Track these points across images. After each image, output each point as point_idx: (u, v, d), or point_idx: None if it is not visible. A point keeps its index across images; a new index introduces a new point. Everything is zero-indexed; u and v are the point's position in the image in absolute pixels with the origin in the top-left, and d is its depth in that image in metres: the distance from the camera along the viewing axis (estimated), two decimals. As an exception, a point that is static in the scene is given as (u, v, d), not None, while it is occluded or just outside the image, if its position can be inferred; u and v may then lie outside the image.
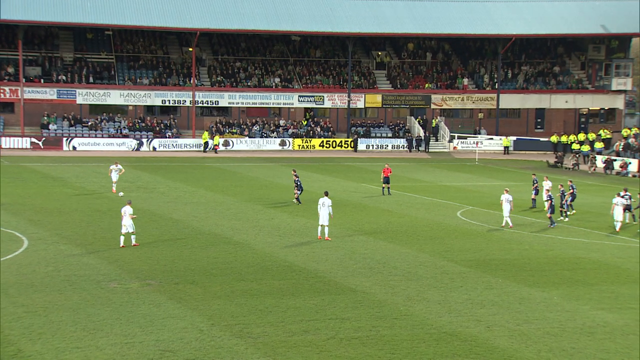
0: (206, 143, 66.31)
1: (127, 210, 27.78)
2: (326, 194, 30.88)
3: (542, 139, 71.19)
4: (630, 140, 63.54)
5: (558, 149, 68.09)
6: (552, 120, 76.84)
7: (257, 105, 72.55)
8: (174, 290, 22.46)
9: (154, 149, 66.41)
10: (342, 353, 17.81)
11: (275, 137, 70.54)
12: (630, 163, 58.40)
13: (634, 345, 18.30)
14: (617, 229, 32.74)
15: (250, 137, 69.54)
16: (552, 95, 75.21)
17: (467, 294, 22.80)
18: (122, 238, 27.79)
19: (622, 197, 33.82)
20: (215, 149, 66.21)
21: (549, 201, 34.18)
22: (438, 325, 19.82)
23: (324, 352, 17.86)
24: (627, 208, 34.52)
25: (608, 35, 74.28)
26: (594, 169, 58.48)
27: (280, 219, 34.14)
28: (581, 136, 69.29)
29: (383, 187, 42.23)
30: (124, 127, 68.22)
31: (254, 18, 68.98)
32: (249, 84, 72.10)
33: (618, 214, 32.84)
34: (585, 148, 65.10)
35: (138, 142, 66.20)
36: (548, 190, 35.70)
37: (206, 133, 66.91)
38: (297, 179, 38.63)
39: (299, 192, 38.08)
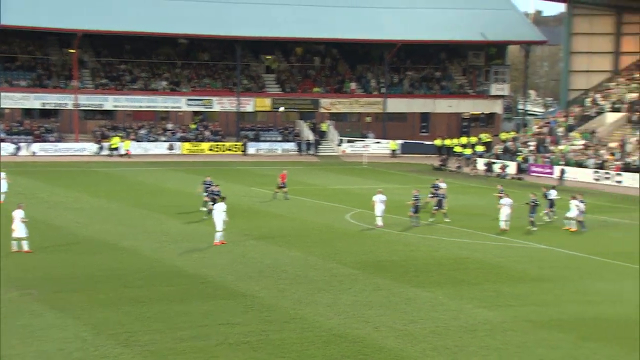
0: (115, 148, 64.52)
1: (17, 214, 26.63)
2: (223, 199, 30.60)
3: (427, 143, 73.07)
4: (508, 143, 66.19)
5: (442, 152, 70.06)
6: (436, 124, 79.06)
7: (144, 109, 71.03)
8: (56, 299, 21.57)
9: (34, 153, 63.80)
10: (232, 358, 17.58)
11: (163, 141, 69.24)
12: (508, 166, 60.80)
13: (512, 341, 18.97)
14: (502, 228, 33.87)
15: (137, 140, 67.97)
16: (436, 100, 77.41)
17: (355, 295, 23.01)
18: (14, 243, 26.68)
19: (579, 202, 34.25)
20: (127, 153, 64.43)
21: (414, 201, 34.80)
22: (327, 327, 19.89)
23: (213, 357, 17.58)
24: (551, 204, 35.48)
25: (487, 42, 77.13)
26: (475, 172, 60.52)
27: (170, 224, 33.45)
28: (463, 140, 71.59)
29: (276, 192, 42.10)
30: (1, 131, 65.20)
31: (139, 20, 67.49)
32: (135, 87, 70.45)
33: (504, 214, 33.98)
34: (468, 151, 67.27)
35: (16, 146, 63.44)
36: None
37: (117, 138, 65.11)
38: (210, 186, 36.21)
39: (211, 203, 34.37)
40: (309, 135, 73.15)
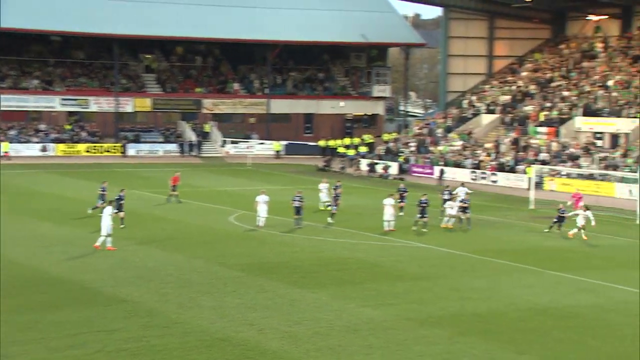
0: None
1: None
2: (110, 202, 29.84)
3: (311, 144, 73.76)
4: (390, 144, 67.82)
5: (326, 153, 70.93)
6: (320, 125, 79.94)
7: (13, 109, 68.07)
8: None
9: None
10: (111, 368, 17.19)
11: (35, 142, 66.61)
12: (390, 166, 62.30)
13: (393, 339, 19.48)
14: (386, 228, 34.61)
15: (9, 142, 65.08)
16: (319, 101, 78.30)
17: (240, 298, 22.97)
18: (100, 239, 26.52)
19: (460, 200, 35.64)
20: (6, 155, 61.33)
21: (298, 202, 35.01)
22: (211, 331, 19.77)
23: (91, 367, 17.13)
24: (464, 209, 36.34)
25: (368, 44, 78.77)
26: (359, 172, 61.64)
27: (45, 229, 32.27)
28: (347, 140, 72.74)
29: (170, 195, 41.40)
30: None
31: (6, 15, 64.58)
32: (3, 85, 67.44)
33: (387, 214, 34.68)
34: (351, 152, 68.42)
35: None
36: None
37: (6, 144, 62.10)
38: (104, 191, 35.20)
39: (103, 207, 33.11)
40: (191, 136, 72.33)
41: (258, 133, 75.84)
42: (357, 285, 24.96)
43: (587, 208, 33.63)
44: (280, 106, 76.89)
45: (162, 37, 71.31)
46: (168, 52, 76.88)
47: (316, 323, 20.77)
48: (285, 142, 73.42)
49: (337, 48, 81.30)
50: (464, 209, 36.23)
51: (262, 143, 73.62)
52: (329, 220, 36.50)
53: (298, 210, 35.24)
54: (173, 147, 71.01)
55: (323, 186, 40.83)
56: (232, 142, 72.79)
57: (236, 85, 76.18)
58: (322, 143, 72.85)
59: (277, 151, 72.48)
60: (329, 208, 37.70)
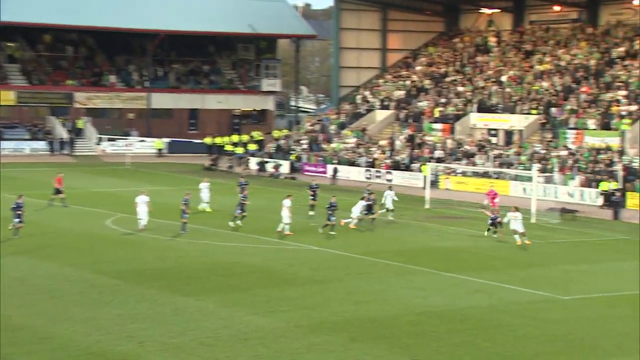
0: None
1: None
2: None
3: (196, 141, 73.11)
4: (281, 141, 68.11)
5: (213, 151, 70.49)
6: (206, 121, 79.31)
7: None
8: None
9: None
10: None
11: None
12: (281, 165, 62.58)
13: (285, 349, 19.64)
14: (279, 229, 34.73)
15: None
16: (205, 95, 77.70)
17: (118, 308, 22.59)
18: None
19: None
20: None
21: (185, 205, 34.72)
22: (85, 345, 19.35)
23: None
24: (368, 209, 36.88)
25: (256, 35, 78.81)
26: (248, 171, 61.56)
27: None
28: (235, 138, 72.54)
29: (52, 198, 40.15)
30: None
31: None
32: None
33: (286, 216, 34.77)
34: (239, 150, 68.29)
35: None
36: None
37: None
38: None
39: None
40: (62, 133, 70.26)
41: (138, 130, 74.50)
42: (245, 292, 24.99)
43: (516, 209, 34.30)
44: (162, 101, 75.80)
45: (27, 24, 68.87)
46: (34, 40, 74.35)
47: (201, 333, 20.65)
48: (167, 140, 72.46)
49: (224, 39, 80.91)
50: (369, 208, 37.11)
51: (142, 140, 72.37)
52: (238, 223, 36.05)
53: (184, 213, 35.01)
54: (41, 145, 68.76)
55: (204, 185, 40.60)
56: (109, 140, 71.21)
57: (112, 78, 74.58)
58: (208, 140, 72.36)
59: (159, 149, 71.46)
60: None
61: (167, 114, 78.17)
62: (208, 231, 35.52)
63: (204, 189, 40.54)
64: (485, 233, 34.69)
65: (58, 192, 40.39)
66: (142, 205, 34.25)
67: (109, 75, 74.61)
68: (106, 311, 22.30)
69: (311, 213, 39.42)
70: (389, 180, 57.37)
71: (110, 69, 75.74)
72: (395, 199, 39.78)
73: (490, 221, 34.65)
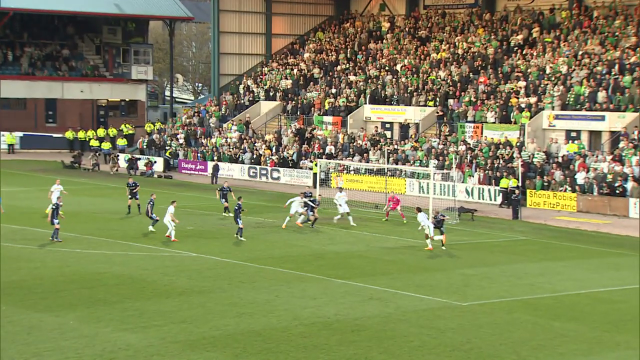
0: None
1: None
2: None
3: (55, 135, 71.28)
4: (154, 136, 67.14)
5: (75, 146, 68.87)
6: (66, 113, 77.29)
7: None
8: None
9: None
10: None
11: None
12: (155, 162, 61.67)
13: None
14: (168, 234, 34.40)
15: None
16: (65, 83, 75.79)
17: (-38, 328, 21.75)
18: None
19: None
20: None
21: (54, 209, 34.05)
22: None
23: None
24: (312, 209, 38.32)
25: (123, 16, 77.41)
26: (117, 169, 60.45)
27: None
28: (101, 132, 71.08)
29: None
30: None
31: None
32: None
33: (168, 222, 34.26)
34: (106, 145, 66.93)
35: None
36: (59, 198, 35.69)
37: None
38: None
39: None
40: None
41: (-14, 122, 71.92)
42: (113, 305, 24.50)
43: (419, 210, 35.03)
44: (13, 89, 73.44)
45: None
46: None
47: (61, 353, 20.13)
48: (20, 134, 70.27)
49: (86, 19, 79.08)
50: (312, 209, 38.75)
51: (-8, 135, 69.95)
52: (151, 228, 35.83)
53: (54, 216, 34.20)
54: None
55: (55, 187, 39.82)
56: (-48, 134, 68.44)
57: (-45, 63, 71.68)
58: (69, 135, 70.59)
59: (10, 144, 69.20)
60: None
61: (19, 104, 75.67)
62: (68, 237, 34.60)
63: (55, 191, 39.56)
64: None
65: None
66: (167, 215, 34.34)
67: (-48, 60, 71.64)
68: (-51, 332, 21.42)
69: (226, 214, 40.44)
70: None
71: (-47, 52, 72.76)
72: (346, 199, 40.29)
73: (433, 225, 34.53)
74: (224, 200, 41.19)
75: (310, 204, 39.20)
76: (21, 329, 21.95)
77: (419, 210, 35.08)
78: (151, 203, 36.24)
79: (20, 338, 21.18)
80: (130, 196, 40.58)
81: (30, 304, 24.42)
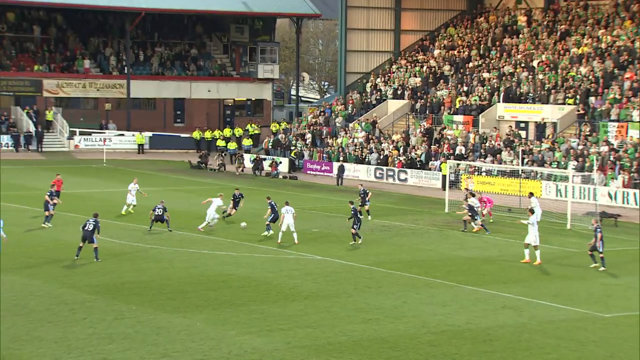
0: None
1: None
2: None
3: (183, 135, 73.18)
4: (280, 136, 68.10)
5: (201, 146, 70.51)
6: (193, 113, 79.36)
7: None
8: None
9: None
10: None
11: None
12: (280, 162, 62.55)
13: (285, 371, 19.65)
14: (279, 240, 34.73)
15: None
16: (193, 83, 77.70)
17: (92, 327, 22.59)
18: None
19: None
20: None
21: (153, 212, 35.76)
22: (56, 370, 19.36)
23: None
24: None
25: (251, 14, 78.74)
26: (242, 170, 61.62)
27: None
28: (227, 131, 72.57)
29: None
30: None
31: None
32: None
33: (285, 224, 34.69)
34: (232, 145, 68.30)
35: None
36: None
37: None
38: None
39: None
40: (29, 125, 70.33)
41: (116, 122, 74.58)
42: (239, 308, 24.96)
43: (472, 195, 37.04)
44: (143, 89, 75.79)
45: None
46: (-4, 18, 74.54)
47: (188, 355, 20.63)
48: (150, 134, 72.52)
49: (214, 18, 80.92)
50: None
51: (121, 134, 72.44)
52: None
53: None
54: (5, 139, 68.78)
55: (132, 187, 41.06)
56: (83, 134, 71.28)
57: (87, 63, 74.62)
58: (196, 134, 72.39)
59: (140, 144, 71.49)
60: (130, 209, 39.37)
61: (149, 104, 78.20)
62: (194, 238, 35.50)
63: (132, 190, 40.95)
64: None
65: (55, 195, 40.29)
66: (287, 216, 34.78)
67: (83, 60, 74.63)
68: (78, 330, 22.29)
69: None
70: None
71: (84, 52, 75.76)
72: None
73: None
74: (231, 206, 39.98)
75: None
76: (150, 329, 22.65)
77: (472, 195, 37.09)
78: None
79: (149, 339, 21.86)
80: (232, 206, 40.21)
81: (159, 304, 25.15)
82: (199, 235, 36.22)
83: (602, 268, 31.17)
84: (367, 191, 41.93)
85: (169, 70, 77.69)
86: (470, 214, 38.19)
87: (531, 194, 38.85)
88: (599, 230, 31.43)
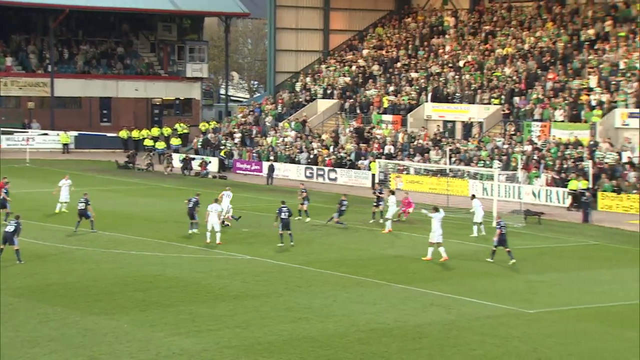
0: None
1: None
2: None
3: (109, 134, 72.31)
4: (209, 135, 67.74)
5: (129, 146, 69.79)
6: (120, 112, 78.42)
7: None
8: None
9: None
10: None
11: None
12: (210, 162, 62.23)
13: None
14: (208, 239, 34.50)
15: None
16: (120, 82, 76.87)
17: (15, 330, 22.25)
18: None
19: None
20: None
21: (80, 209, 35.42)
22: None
23: None
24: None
25: (179, 12, 78.17)
26: (171, 170, 61.14)
27: None
28: (155, 131, 71.91)
29: None
30: None
31: None
32: None
33: (213, 223, 34.49)
34: (161, 145, 67.71)
35: None
36: None
37: None
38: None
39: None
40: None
41: (39, 121, 73.28)
42: (167, 309, 24.79)
43: (392, 193, 37.68)
44: (68, 87, 74.68)
45: None
46: None
47: (116, 357, 20.46)
48: (75, 133, 71.48)
49: (141, 17, 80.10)
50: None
51: (45, 134, 71.23)
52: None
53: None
54: None
55: (63, 182, 40.97)
56: (4, 133, 69.86)
57: (8, 61, 73.23)
58: (123, 134, 71.59)
59: (65, 144, 70.43)
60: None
61: (74, 103, 76.98)
62: (121, 238, 35.14)
63: (64, 186, 41.05)
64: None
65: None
66: (213, 215, 34.23)
67: (4, 58, 73.20)
68: (1, 334, 21.86)
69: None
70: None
71: (5, 49, 74.32)
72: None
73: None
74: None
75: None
76: (76, 331, 22.36)
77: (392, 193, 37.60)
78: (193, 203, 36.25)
79: (75, 341, 21.58)
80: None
81: (85, 306, 24.85)
82: (126, 235, 35.86)
83: (513, 260, 31.84)
84: (305, 191, 41.93)
85: (94, 68, 76.66)
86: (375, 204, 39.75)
87: (473, 196, 39.09)
88: (500, 226, 32.18)
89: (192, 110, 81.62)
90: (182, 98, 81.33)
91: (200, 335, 22.35)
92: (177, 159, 63.36)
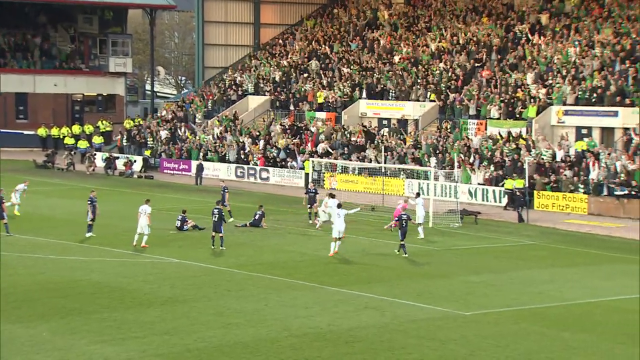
0: None
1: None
2: None
3: (26, 132, 71.25)
4: (134, 133, 67.14)
5: (48, 144, 68.86)
6: (38, 108, 77.24)
7: None
8: None
9: None
10: None
11: None
12: (135, 161, 61.71)
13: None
14: (135, 242, 34.26)
15: None
16: (37, 77, 75.78)
17: None
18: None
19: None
20: None
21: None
22: None
23: None
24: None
25: (100, 4, 77.35)
26: (94, 169, 60.50)
27: None
28: (76, 128, 71.07)
29: None
30: None
31: None
32: None
33: (143, 225, 34.23)
34: (82, 144, 66.94)
35: None
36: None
37: None
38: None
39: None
40: None
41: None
42: (90, 315, 24.59)
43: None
44: (-19, 82, 73.40)
45: None
46: None
47: (34, 367, 20.24)
48: (-11, 131, 70.33)
49: (59, 7, 78.98)
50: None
51: (-44, 132, 69.92)
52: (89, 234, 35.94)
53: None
54: None
55: (20, 187, 40.74)
56: None
57: None
58: (42, 132, 70.59)
59: (-20, 143, 69.20)
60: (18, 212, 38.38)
61: (-13, 98, 75.64)
62: (41, 242, 34.67)
63: (20, 189, 40.92)
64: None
65: None
66: (143, 217, 33.80)
67: None
68: None
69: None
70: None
71: None
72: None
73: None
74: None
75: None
76: (-9, 341, 22.06)
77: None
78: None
79: (-10, 351, 21.30)
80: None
81: (2, 314, 24.45)
82: (45, 239, 35.43)
83: (405, 255, 33.54)
84: (226, 189, 41.89)
85: (8, 61, 75.38)
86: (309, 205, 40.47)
87: (418, 194, 39.40)
88: (402, 219, 33.98)
89: (116, 107, 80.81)
90: (105, 94, 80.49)
91: (126, 342, 22.20)
92: (100, 158, 62.71)
